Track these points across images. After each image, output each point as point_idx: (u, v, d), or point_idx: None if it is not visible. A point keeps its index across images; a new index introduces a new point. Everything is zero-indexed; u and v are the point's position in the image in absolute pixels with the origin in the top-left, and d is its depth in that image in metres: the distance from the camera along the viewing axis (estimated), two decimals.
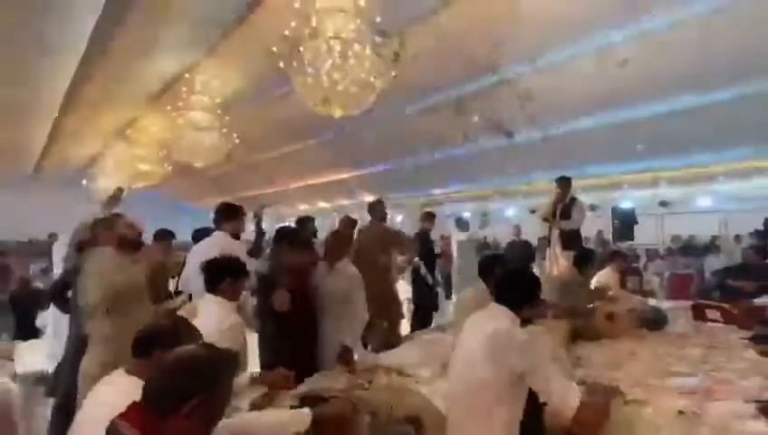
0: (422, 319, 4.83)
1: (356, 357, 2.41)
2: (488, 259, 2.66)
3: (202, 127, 7.33)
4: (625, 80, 5.73)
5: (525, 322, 1.59)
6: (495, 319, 1.53)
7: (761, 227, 7.41)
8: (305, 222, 4.23)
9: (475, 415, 1.38)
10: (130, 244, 2.34)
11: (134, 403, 0.87)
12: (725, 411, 1.83)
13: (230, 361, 0.95)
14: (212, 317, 1.75)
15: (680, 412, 1.84)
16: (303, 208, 16.71)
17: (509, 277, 1.64)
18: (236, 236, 2.75)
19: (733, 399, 1.98)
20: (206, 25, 5.77)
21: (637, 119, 6.68)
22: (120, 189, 3.30)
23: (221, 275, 1.91)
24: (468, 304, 2.44)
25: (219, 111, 7.50)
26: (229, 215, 2.73)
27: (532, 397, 1.42)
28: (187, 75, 7.03)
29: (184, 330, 1.25)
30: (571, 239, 4.47)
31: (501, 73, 6.03)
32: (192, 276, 2.56)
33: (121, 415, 0.86)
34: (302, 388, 1.79)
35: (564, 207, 4.57)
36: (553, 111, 6.80)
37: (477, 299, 2.30)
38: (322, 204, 15.81)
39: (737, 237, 8.45)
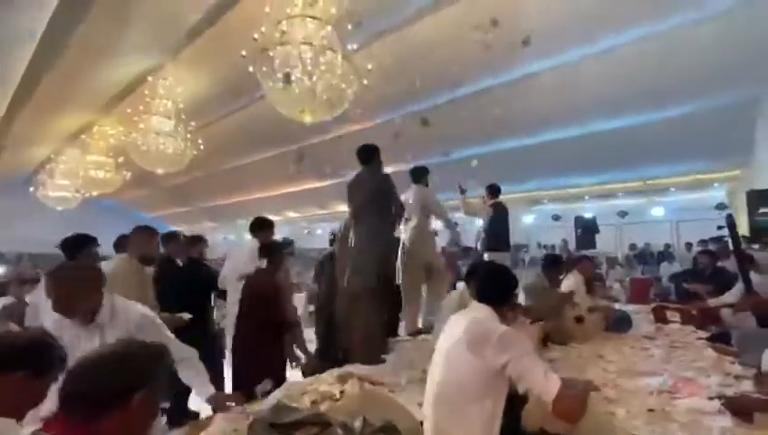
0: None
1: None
2: (473, 265, 2.66)
3: (165, 133, 7.02)
4: (586, 96, 6.01)
5: (503, 323, 1.57)
6: (475, 311, 1.52)
7: (707, 236, 7.93)
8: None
9: (454, 415, 1.33)
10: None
11: (52, 418, 0.79)
12: (692, 408, 1.88)
13: (162, 352, 0.93)
14: None
15: (651, 410, 1.88)
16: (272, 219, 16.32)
17: (491, 275, 1.62)
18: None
19: (697, 396, 2.04)
20: (171, 27, 5.57)
21: (594, 133, 7.02)
22: None
23: None
24: (452, 307, 2.40)
25: (184, 117, 7.22)
26: (263, 226, 3.39)
27: (510, 398, 1.39)
28: (150, 78, 6.74)
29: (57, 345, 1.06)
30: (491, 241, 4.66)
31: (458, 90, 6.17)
32: (228, 275, 3.24)
33: (43, 428, 0.77)
34: (270, 401, 1.67)
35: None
36: (519, 125, 7.02)
37: (461, 302, 2.27)
38: (292, 214, 15.53)
39: (688, 245, 8.97)
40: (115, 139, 8.35)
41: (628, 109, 6.27)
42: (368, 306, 2.92)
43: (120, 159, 8.76)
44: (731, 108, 5.89)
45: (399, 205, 3.28)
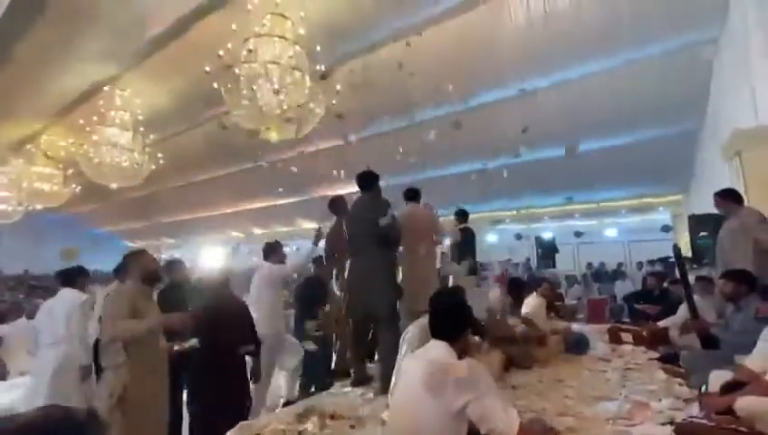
0: None
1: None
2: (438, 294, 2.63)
3: (120, 145, 6.66)
4: (544, 124, 6.33)
5: (462, 354, 1.56)
6: (431, 351, 1.50)
7: (656, 256, 8.46)
8: None
9: None
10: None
11: None
12: None
13: (83, 423, 0.84)
14: None
15: None
16: (235, 235, 15.83)
17: (443, 310, 1.61)
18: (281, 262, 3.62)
19: (649, 422, 2.11)
20: (131, 37, 5.36)
21: (552, 158, 7.37)
22: None
23: None
24: (417, 334, 2.36)
25: (142, 129, 6.91)
26: (274, 249, 3.64)
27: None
28: (106, 88, 6.42)
29: None
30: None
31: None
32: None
33: None
34: None
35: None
36: (483, 149, 7.26)
37: (424, 329, 2.25)
38: (257, 230, 15.10)
39: (639, 264, 9.51)
40: (65, 150, 7.85)
41: (581, 136, 6.64)
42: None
43: (70, 172, 8.23)
44: (673, 138, 6.39)
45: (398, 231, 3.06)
